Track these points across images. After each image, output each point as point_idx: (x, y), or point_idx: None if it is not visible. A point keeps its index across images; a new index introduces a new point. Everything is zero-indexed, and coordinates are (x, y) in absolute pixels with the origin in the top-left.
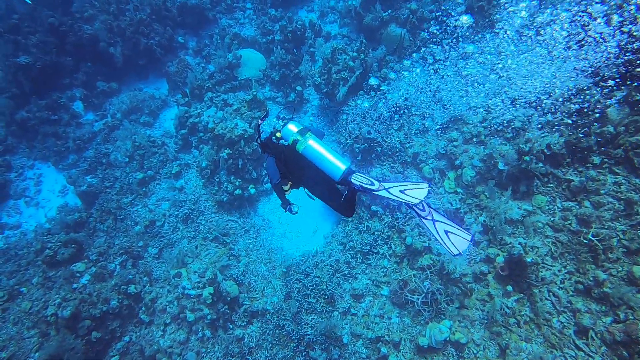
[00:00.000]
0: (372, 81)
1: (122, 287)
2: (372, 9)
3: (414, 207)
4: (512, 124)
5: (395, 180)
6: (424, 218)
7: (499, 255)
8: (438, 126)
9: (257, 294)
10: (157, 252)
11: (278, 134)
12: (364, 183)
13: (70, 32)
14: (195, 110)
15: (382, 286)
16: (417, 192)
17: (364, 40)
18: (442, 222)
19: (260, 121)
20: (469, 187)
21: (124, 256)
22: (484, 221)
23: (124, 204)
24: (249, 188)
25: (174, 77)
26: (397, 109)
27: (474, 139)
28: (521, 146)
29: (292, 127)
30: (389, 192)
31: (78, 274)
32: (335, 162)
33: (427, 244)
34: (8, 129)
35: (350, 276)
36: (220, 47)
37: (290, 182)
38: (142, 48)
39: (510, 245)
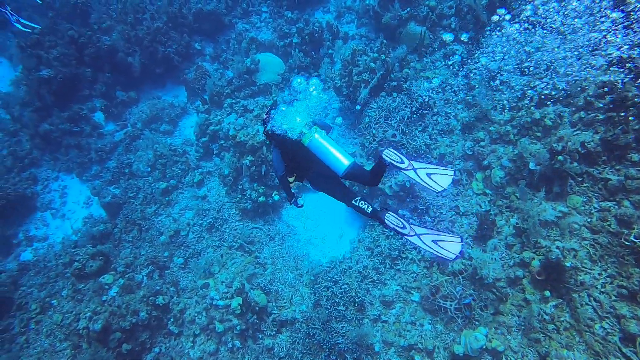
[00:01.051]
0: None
1: (150, 298)
2: (390, 8)
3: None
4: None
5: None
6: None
7: (534, 258)
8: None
9: (285, 302)
10: (182, 262)
11: (285, 126)
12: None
13: (89, 44)
14: (215, 118)
15: (412, 292)
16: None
17: (384, 41)
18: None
19: (266, 114)
20: (499, 188)
21: (150, 267)
22: (516, 223)
23: (148, 214)
24: (273, 195)
25: (193, 84)
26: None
27: (502, 139)
28: (553, 145)
29: (299, 120)
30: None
31: (106, 286)
32: (339, 158)
33: None
34: (32, 141)
35: (379, 282)
36: (238, 52)
37: (295, 175)
38: (160, 56)
39: (547, 249)
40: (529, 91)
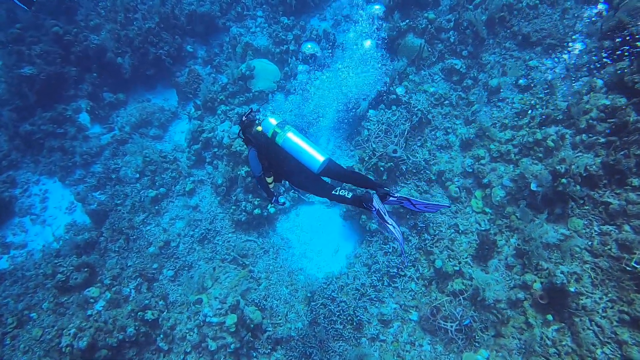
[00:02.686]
0: (399, 90)
1: (139, 313)
2: (390, 19)
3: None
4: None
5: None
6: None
7: (535, 281)
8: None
9: (280, 319)
10: (172, 274)
11: (259, 128)
12: (382, 211)
13: (75, 42)
14: (208, 125)
15: (410, 311)
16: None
17: (383, 52)
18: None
19: (244, 117)
20: (499, 207)
21: (138, 279)
22: (517, 244)
23: (136, 223)
24: (269, 207)
25: (184, 88)
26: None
27: (503, 157)
28: (556, 167)
29: (272, 120)
30: (394, 227)
31: (92, 300)
32: (313, 155)
33: (457, 268)
34: (12, 142)
35: (377, 300)
36: (232, 56)
37: (273, 175)
38: (151, 58)
39: (550, 273)
40: (530, 111)
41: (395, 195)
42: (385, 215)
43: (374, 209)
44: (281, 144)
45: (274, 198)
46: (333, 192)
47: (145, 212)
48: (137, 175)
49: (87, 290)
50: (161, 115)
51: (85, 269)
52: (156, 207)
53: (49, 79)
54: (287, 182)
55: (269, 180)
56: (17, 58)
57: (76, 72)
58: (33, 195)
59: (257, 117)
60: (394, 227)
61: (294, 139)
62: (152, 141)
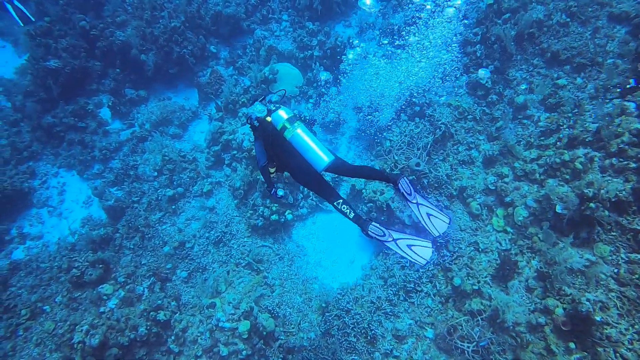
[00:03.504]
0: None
1: (151, 313)
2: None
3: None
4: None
5: (404, 233)
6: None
7: (558, 306)
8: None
9: (293, 328)
10: (186, 275)
11: (268, 118)
12: (377, 235)
13: (101, 37)
14: (229, 126)
15: (426, 327)
16: (423, 251)
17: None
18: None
19: (258, 102)
20: (521, 227)
21: (152, 278)
22: (539, 266)
23: (152, 221)
24: (286, 213)
25: (206, 89)
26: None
27: (527, 177)
28: (585, 191)
29: (282, 114)
30: (397, 244)
31: (105, 297)
32: (319, 154)
33: (477, 287)
34: (34, 134)
35: (392, 315)
36: (255, 59)
37: (276, 166)
38: (175, 57)
39: (574, 299)
40: (558, 131)
41: (410, 198)
42: (384, 236)
43: (370, 236)
44: (289, 139)
45: (273, 190)
46: (335, 203)
47: (161, 211)
48: (155, 174)
49: (100, 286)
50: (181, 114)
51: (100, 266)
52: (173, 207)
53: (73, 72)
54: (287, 173)
55: (272, 171)
56: (45, 51)
57: (100, 66)
58: (51, 188)
59: (269, 107)
60: (393, 244)
61: (302, 136)
62: (171, 140)
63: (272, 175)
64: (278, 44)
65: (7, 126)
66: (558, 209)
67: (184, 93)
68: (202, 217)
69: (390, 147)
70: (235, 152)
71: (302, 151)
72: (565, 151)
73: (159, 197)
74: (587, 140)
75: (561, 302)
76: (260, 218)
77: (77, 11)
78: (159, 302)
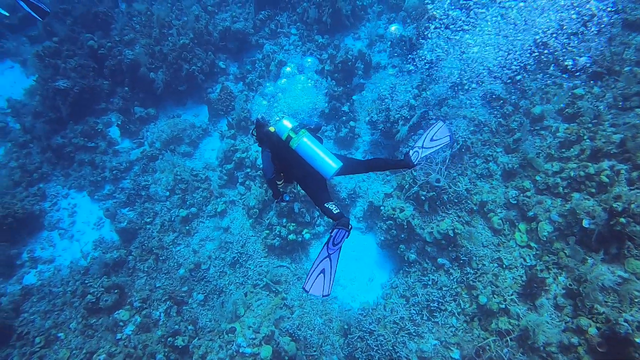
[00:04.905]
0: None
1: (169, 339)
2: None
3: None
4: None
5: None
6: None
7: (591, 326)
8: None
9: (315, 351)
10: (203, 298)
11: (271, 128)
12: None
13: (110, 56)
14: (242, 144)
15: (452, 348)
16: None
17: (424, 77)
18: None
19: (260, 117)
20: (546, 242)
21: (168, 302)
22: (568, 284)
23: (166, 242)
24: (303, 233)
25: (216, 105)
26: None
27: (550, 190)
28: (613, 205)
29: (287, 123)
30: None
31: (121, 323)
32: (327, 161)
33: (503, 306)
34: (43, 155)
35: (416, 335)
36: (265, 74)
37: (283, 177)
38: (184, 74)
39: (608, 318)
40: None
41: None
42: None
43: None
44: (295, 148)
45: (280, 197)
46: (325, 204)
47: (175, 232)
48: (167, 193)
49: (116, 312)
50: (192, 132)
51: (116, 291)
52: (187, 227)
53: (82, 92)
54: (298, 185)
55: (279, 183)
56: (53, 71)
57: (108, 85)
58: (62, 209)
59: (273, 117)
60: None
61: (308, 144)
62: (182, 158)
63: (279, 187)
64: (288, 59)
65: (16, 148)
66: (585, 223)
67: (193, 110)
68: (217, 237)
69: None
70: (248, 170)
71: (309, 160)
72: (590, 164)
73: (172, 218)
74: (611, 152)
75: (594, 322)
76: (277, 238)
77: (85, 30)
78: (176, 327)
